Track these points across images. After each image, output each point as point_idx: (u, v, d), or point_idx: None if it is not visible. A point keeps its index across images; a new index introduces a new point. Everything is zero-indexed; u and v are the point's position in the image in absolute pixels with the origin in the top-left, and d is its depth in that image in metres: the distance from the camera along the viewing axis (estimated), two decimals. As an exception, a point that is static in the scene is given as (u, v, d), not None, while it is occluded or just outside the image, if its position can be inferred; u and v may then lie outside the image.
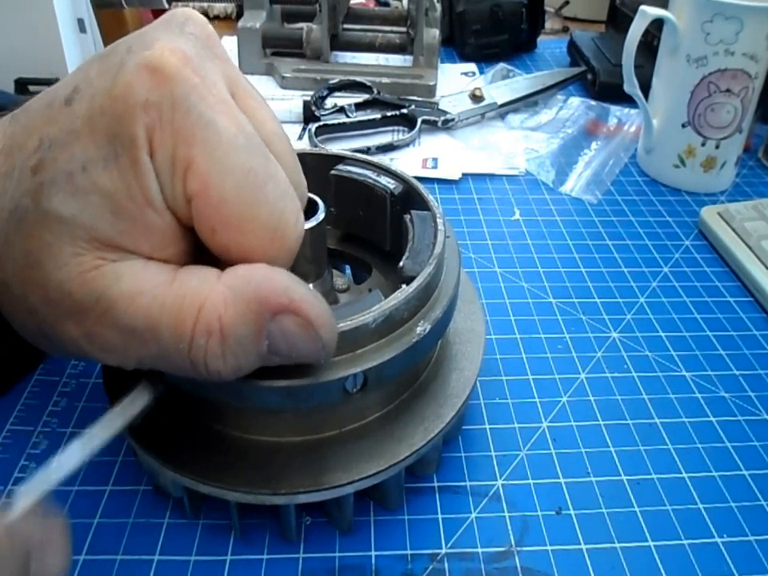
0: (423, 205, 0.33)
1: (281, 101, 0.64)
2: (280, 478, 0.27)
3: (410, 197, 0.34)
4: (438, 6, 0.71)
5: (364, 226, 0.36)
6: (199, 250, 0.24)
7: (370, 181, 0.34)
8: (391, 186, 0.34)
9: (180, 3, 0.91)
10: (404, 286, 0.28)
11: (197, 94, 0.22)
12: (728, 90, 0.51)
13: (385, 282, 0.35)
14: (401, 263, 0.30)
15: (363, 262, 0.37)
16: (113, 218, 0.22)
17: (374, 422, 0.29)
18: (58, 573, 0.20)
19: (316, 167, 0.35)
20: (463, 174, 0.57)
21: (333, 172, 0.35)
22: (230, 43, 0.76)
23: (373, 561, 0.28)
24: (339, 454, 0.28)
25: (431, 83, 0.67)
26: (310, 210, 0.29)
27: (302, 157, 0.35)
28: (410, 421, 0.29)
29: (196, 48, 0.23)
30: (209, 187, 0.22)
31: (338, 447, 0.28)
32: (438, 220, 0.31)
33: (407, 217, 0.32)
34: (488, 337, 0.40)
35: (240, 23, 0.69)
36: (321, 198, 0.30)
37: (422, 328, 0.28)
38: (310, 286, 0.30)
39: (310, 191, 0.30)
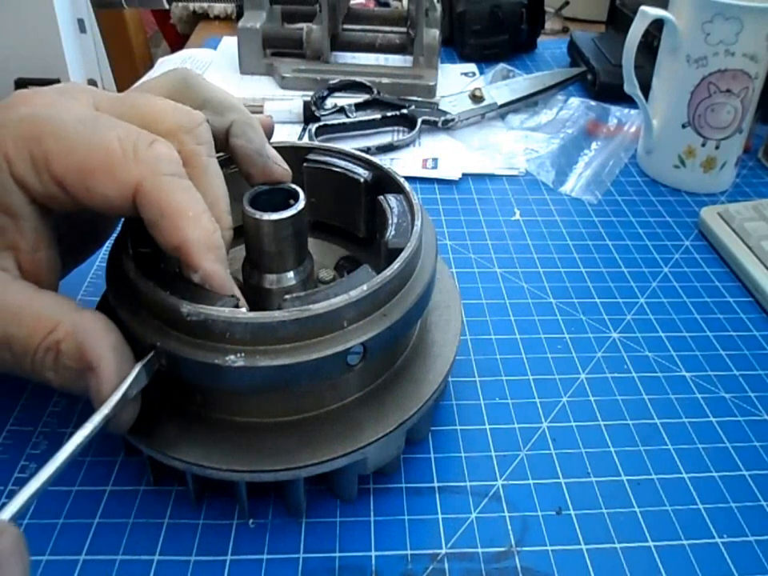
0: (395, 188, 0.34)
1: (281, 101, 0.64)
2: (281, 454, 0.27)
3: (381, 182, 0.35)
4: (438, 6, 0.71)
5: (337, 213, 0.37)
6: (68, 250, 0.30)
7: (344, 169, 0.35)
8: (364, 173, 0.35)
9: (180, 4, 0.91)
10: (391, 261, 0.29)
11: (33, 103, 0.28)
12: (728, 91, 0.51)
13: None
14: (385, 238, 0.31)
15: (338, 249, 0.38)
16: None
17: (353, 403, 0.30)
18: None
19: (286, 159, 0.36)
20: (463, 174, 0.57)
21: (306, 163, 0.36)
22: (230, 43, 0.76)
23: (373, 561, 0.28)
24: (327, 432, 0.28)
25: (431, 83, 0.67)
26: (291, 198, 0.31)
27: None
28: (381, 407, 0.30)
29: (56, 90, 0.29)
30: (63, 156, 0.26)
31: (322, 426, 0.29)
32: (412, 199, 0.32)
33: (382, 198, 0.33)
34: (488, 337, 0.40)
35: (240, 23, 0.69)
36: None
37: (413, 296, 0.29)
38: (291, 273, 0.32)
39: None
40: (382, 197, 0.33)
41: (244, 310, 0.26)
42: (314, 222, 0.38)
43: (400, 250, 0.29)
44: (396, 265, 0.29)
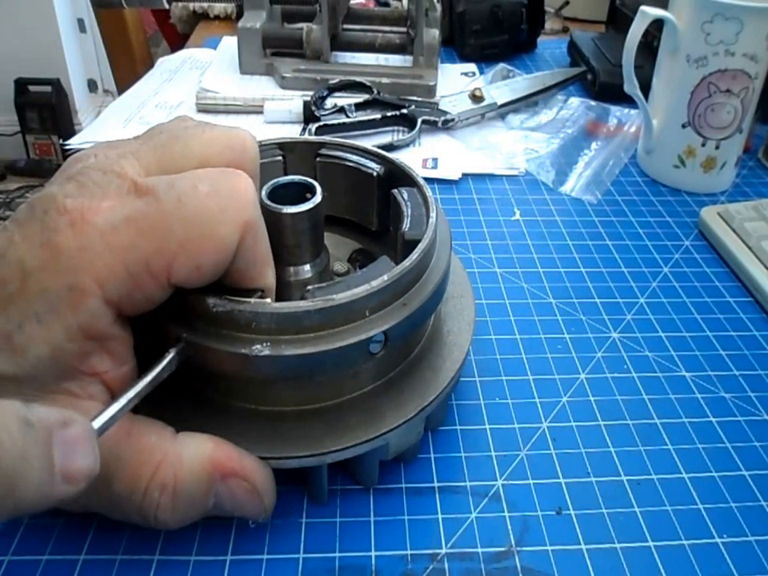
0: (407, 181, 0.34)
1: (281, 101, 0.64)
2: (306, 441, 0.28)
3: (393, 176, 0.35)
4: (438, 6, 0.71)
5: (350, 207, 0.38)
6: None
7: (356, 163, 0.36)
8: (377, 167, 0.35)
9: (180, 4, 0.91)
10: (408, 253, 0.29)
11: (102, 209, 0.24)
12: (728, 91, 0.51)
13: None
14: (402, 230, 0.31)
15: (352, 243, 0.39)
16: (54, 368, 0.23)
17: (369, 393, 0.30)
18: (86, 471, 0.20)
19: (299, 154, 0.36)
20: (463, 174, 0.57)
21: (318, 158, 0.36)
22: (230, 43, 0.76)
23: (373, 561, 0.28)
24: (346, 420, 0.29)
25: (431, 83, 0.67)
26: (306, 192, 0.31)
27: (285, 145, 0.37)
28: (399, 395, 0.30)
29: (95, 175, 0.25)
30: (165, 248, 0.24)
31: (340, 415, 0.29)
32: (426, 192, 0.33)
33: (396, 191, 0.34)
34: (488, 337, 0.40)
35: (240, 23, 0.69)
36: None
37: (431, 285, 0.29)
38: (308, 265, 0.32)
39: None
40: (395, 190, 0.34)
41: (269, 300, 0.27)
42: (327, 216, 0.38)
43: (417, 242, 0.30)
44: (414, 255, 0.29)
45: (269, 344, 0.26)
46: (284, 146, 0.37)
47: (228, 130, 0.28)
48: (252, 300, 0.26)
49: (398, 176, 0.35)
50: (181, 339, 0.26)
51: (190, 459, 0.25)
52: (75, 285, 0.23)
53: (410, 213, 0.32)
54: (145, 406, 0.27)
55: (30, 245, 0.23)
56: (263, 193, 0.31)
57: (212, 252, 0.24)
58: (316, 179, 0.33)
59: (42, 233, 0.23)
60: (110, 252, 0.23)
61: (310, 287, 0.28)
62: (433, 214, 0.31)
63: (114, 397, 0.25)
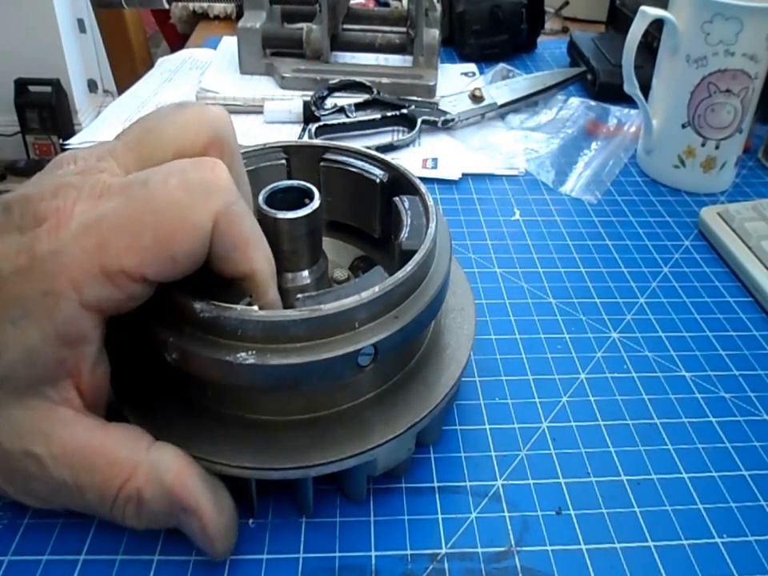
0: (410, 189, 0.34)
1: (281, 101, 0.64)
2: (291, 453, 0.27)
3: (397, 183, 0.35)
4: (438, 6, 0.71)
5: (353, 213, 0.37)
6: None
7: (360, 169, 0.35)
8: (380, 173, 0.35)
9: (180, 4, 0.91)
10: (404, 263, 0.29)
11: (73, 214, 0.24)
12: (728, 91, 0.51)
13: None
14: (399, 239, 0.31)
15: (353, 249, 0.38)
16: (29, 371, 0.24)
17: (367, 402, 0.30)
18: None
19: (303, 158, 0.36)
20: (463, 174, 0.57)
21: (322, 163, 0.36)
22: (230, 43, 0.76)
23: (373, 561, 0.28)
24: (341, 431, 0.28)
25: (431, 83, 0.67)
26: (306, 197, 0.31)
27: (289, 148, 0.37)
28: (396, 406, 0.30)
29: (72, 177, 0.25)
30: (135, 243, 0.24)
31: (337, 425, 0.29)
32: (427, 201, 0.32)
33: (397, 199, 0.33)
34: (488, 337, 0.40)
35: (240, 23, 0.69)
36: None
37: (425, 298, 0.29)
38: (305, 272, 0.32)
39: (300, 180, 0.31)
40: (397, 198, 0.33)
41: (256, 307, 0.26)
42: (330, 222, 0.38)
43: (413, 252, 0.29)
44: (409, 267, 0.28)
45: (254, 352, 0.26)
46: (288, 149, 0.36)
47: (200, 109, 0.28)
48: (239, 306, 0.26)
49: (402, 183, 0.35)
50: (168, 343, 0.26)
51: (154, 481, 0.25)
52: (51, 290, 0.23)
53: (409, 222, 0.32)
54: (134, 410, 0.27)
55: (6, 249, 0.23)
56: (260, 197, 0.30)
57: (185, 240, 0.24)
58: (320, 183, 0.32)
59: (19, 238, 0.23)
60: (84, 254, 0.23)
61: (300, 296, 0.27)
62: (432, 224, 0.31)
63: (85, 402, 0.25)
